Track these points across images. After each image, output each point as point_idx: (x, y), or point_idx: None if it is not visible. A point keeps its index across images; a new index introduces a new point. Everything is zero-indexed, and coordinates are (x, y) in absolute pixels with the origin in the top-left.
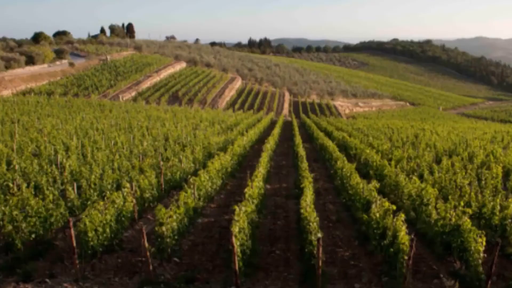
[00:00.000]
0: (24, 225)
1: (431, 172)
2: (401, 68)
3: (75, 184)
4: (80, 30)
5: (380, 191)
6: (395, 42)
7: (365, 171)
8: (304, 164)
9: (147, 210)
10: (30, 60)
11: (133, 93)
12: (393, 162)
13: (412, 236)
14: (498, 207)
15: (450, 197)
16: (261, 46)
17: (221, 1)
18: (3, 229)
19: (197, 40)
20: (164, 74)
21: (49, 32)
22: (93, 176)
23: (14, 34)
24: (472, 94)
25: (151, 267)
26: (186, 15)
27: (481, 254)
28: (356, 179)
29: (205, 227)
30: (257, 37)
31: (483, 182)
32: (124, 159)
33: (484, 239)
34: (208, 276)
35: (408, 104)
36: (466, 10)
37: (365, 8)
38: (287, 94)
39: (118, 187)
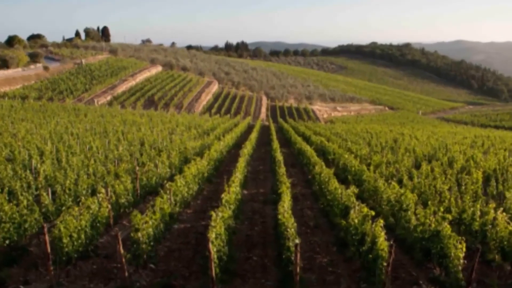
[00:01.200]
0: None
1: (411, 177)
2: (380, 72)
3: (49, 190)
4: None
5: (359, 197)
6: (374, 45)
7: (343, 176)
8: (282, 169)
9: (122, 216)
10: (4, 64)
11: (109, 97)
12: (372, 167)
13: (391, 242)
14: (479, 213)
15: (429, 202)
16: (238, 49)
17: (198, 4)
18: None
19: (173, 43)
20: (140, 78)
21: (23, 36)
22: (67, 181)
23: None
24: (452, 98)
25: (126, 274)
26: (162, 19)
27: (461, 260)
28: (334, 184)
29: (181, 233)
30: (234, 41)
31: (463, 187)
32: (99, 164)
33: (464, 245)
34: (184, 283)
35: (387, 108)
36: (446, 14)
37: (345, 12)
38: (264, 98)
39: (93, 193)
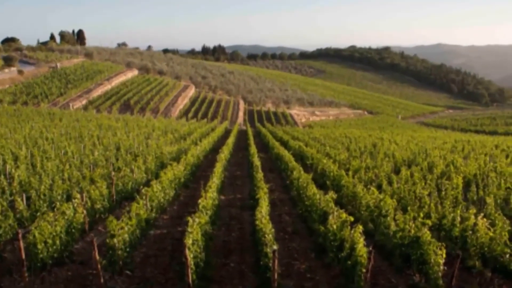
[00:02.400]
0: None
1: (390, 183)
2: (359, 75)
3: (24, 195)
4: (29, 37)
5: (338, 202)
6: (352, 49)
7: (322, 181)
8: (259, 175)
9: (98, 222)
10: None
11: (84, 102)
12: (350, 172)
13: (370, 248)
14: (459, 219)
15: (409, 208)
16: (215, 53)
17: (175, 8)
18: None
19: (149, 47)
20: (116, 82)
21: None
22: (42, 187)
23: None
24: (431, 102)
25: (102, 280)
26: (138, 22)
27: (441, 267)
28: (312, 189)
29: (157, 239)
30: (211, 44)
31: (443, 193)
32: (75, 169)
33: (444, 251)
34: None
35: (366, 112)
36: (426, 17)
37: (323, 15)
38: (242, 103)
39: (69, 198)
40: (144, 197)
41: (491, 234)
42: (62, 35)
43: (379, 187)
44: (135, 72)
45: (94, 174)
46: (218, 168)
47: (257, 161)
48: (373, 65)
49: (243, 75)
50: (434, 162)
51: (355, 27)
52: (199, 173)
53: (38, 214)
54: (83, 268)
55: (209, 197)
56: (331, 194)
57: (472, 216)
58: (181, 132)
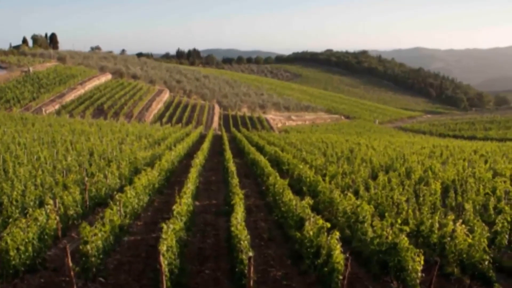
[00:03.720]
0: None
1: (367, 188)
2: (335, 80)
3: None
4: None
5: (314, 208)
6: (329, 53)
7: (298, 187)
8: (235, 180)
9: (71, 228)
10: None
11: (57, 106)
12: (327, 178)
13: (347, 255)
14: (437, 225)
15: (386, 214)
16: (190, 57)
17: (148, 11)
18: None
19: (123, 51)
20: (89, 86)
21: None
22: (14, 193)
23: None
24: (409, 107)
25: (75, 287)
26: (111, 25)
27: (419, 274)
28: (288, 195)
29: (131, 246)
30: (186, 48)
31: (421, 198)
32: (47, 174)
33: (422, 258)
34: None
35: (343, 117)
36: (404, 20)
37: (299, 19)
38: (217, 107)
39: (41, 204)
40: (117, 203)
41: (469, 240)
42: (35, 38)
43: (356, 193)
44: (109, 76)
45: (67, 179)
46: (193, 174)
47: (232, 167)
48: (350, 69)
49: (218, 79)
50: (412, 168)
51: (332, 30)
52: (174, 179)
53: (10, 220)
54: (56, 275)
55: (184, 203)
56: (308, 200)
57: (451, 223)
58: (155, 137)
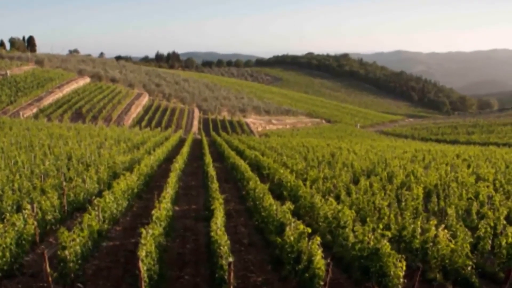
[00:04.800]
0: None
1: (349, 193)
2: (316, 83)
3: None
4: None
5: (295, 213)
6: (310, 56)
7: (278, 192)
8: (215, 185)
9: (49, 233)
10: None
11: (35, 110)
12: (308, 183)
13: (329, 261)
14: (419, 230)
15: (368, 219)
16: (170, 60)
17: (127, 13)
18: None
19: (101, 54)
20: (67, 89)
21: None
22: None
23: None
24: (391, 110)
25: None
26: (90, 28)
27: (401, 279)
28: (269, 200)
29: (110, 251)
30: (165, 51)
31: (403, 203)
32: (25, 179)
33: (404, 263)
34: None
35: (324, 121)
36: (385, 23)
37: (279, 21)
38: (196, 111)
39: (19, 209)
40: (96, 208)
41: (452, 246)
42: (12, 41)
43: (338, 198)
44: (87, 79)
45: (45, 184)
46: (172, 178)
47: (212, 171)
48: (331, 72)
49: (198, 82)
50: (394, 172)
51: (313, 33)
52: (153, 183)
53: None
54: (34, 280)
55: (163, 208)
56: (288, 205)
57: (433, 228)
58: (134, 141)
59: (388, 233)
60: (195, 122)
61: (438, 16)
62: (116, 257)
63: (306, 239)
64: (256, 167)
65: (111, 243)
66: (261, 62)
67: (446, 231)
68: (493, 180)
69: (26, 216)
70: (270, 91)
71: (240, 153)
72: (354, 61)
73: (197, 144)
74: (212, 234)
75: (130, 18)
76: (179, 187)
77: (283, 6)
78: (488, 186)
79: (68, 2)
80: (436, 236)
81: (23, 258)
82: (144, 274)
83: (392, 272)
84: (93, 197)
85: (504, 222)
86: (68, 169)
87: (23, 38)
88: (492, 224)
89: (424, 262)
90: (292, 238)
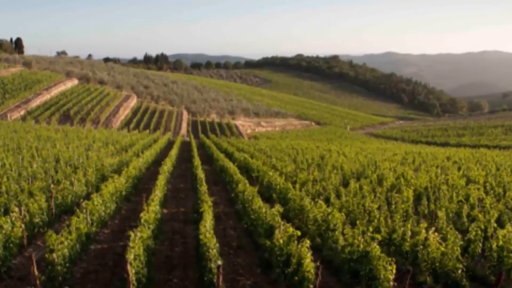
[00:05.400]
0: None
1: (338, 196)
2: (306, 85)
3: None
4: None
5: (284, 216)
6: (299, 57)
7: (268, 194)
8: (203, 187)
9: (37, 236)
10: None
11: (22, 112)
12: (297, 185)
13: (318, 264)
14: (409, 233)
15: (358, 222)
16: (158, 62)
17: (115, 15)
18: None
19: (89, 55)
20: (55, 91)
21: None
22: None
23: None
24: (381, 113)
25: None
26: (78, 30)
27: (391, 283)
28: (258, 203)
29: (98, 254)
30: (153, 53)
31: (393, 206)
32: (12, 181)
33: (394, 266)
34: None
35: (313, 123)
36: (375, 25)
37: (268, 23)
38: (185, 113)
39: (6, 212)
40: (84, 210)
41: (442, 249)
42: (0, 43)
43: (327, 201)
44: (75, 81)
45: (33, 187)
46: (161, 181)
47: (201, 174)
48: (321, 74)
49: (186, 84)
50: (384, 175)
51: (302, 35)
52: (141, 186)
53: None
54: (22, 284)
55: (152, 210)
56: (278, 208)
57: (423, 231)
58: (122, 144)
59: (378, 236)
60: (184, 124)
61: (428, 18)
62: (104, 260)
63: (296, 242)
64: (245, 170)
65: (99, 246)
66: (250, 64)
67: (436, 234)
68: (483, 182)
69: (13, 219)
70: (260, 93)
71: (229, 156)
72: (344, 63)
73: (185, 147)
74: (201, 237)
75: (119, 19)
76: (167, 190)
77: (272, 7)
78: (478, 189)
79: (56, 3)
80: (426, 239)
81: (10, 261)
82: (132, 277)
83: (382, 275)
84: (81, 200)
85: (495, 225)
86: (56, 172)
87: (11, 39)
88: (482, 227)
89: (414, 265)
90: (281, 241)
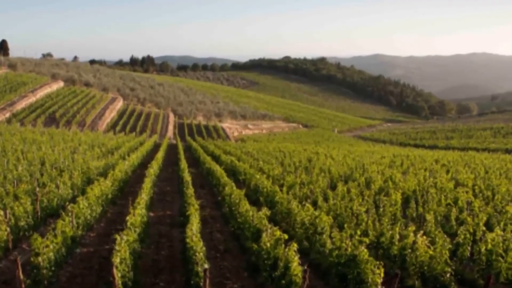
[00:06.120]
0: None
1: (326, 199)
2: (293, 87)
3: None
4: None
5: (271, 219)
6: (287, 59)
7: (255, 197)
8: (190, 190)
9: (22, 240)
10: None
11: (7, 115)
12: (285, 188)
13: (305, 267)
14: (397, 236)
15: (346, 225)
16: (144, 64)
17: (101, 17)
18: None
19: (75, 57)
20: (41, 94)
21: None
22: None
23: None
24: (369, 115)
25: None
26: (63, 32)
27: (379, 286)
28: (245, 206)
29: (84, 258)
30: (140, 55)
31: (381, 209)
32: None
33: (382, 270)
34: None
35: (301, 126)
36: (363, 27)
37: (255, 25)
38: (171, 116)
39: None
40: (70, 214)
41: (431, 252)
42: None
43: (315, 204)
44: (61, 83)
45: (18, 190)
46: (147, 184)
47: (187, 177)
48: (309, 76)
49: (173, 87)
50: (372, 178)
51: (290, 37)
52: (127, 189)
53: None
54: (7, 287)
55: (138, 214)
56: (265, 211)
57: (411, 234)
58: (108, 146)
59: (366, 240)
60: (170, 127)
61: (417, 20)
62: (90, 264)
63: (283, 245)
64: (232, 173)
65: (85, 250)
66: (237, 66)
67: (424, 237)
68: (472, 185)
69: None
70: (246, 95)
71: (216, 158)
72: (332, 65)
73: (172, 149)
74: (188, 240)
75: (104, 21)
76: (154, 193)
77: (259, 9)
78: (467, 192)
79: (42, 5)
80: (414, 242)
81: None
82: (118, 281)
83: (370, 279)
84: (67, 203)
85: (484, 228)
86: (42, 175)
87: None
88: (471, 230)
89: (403, 269)
90: (268, 244)
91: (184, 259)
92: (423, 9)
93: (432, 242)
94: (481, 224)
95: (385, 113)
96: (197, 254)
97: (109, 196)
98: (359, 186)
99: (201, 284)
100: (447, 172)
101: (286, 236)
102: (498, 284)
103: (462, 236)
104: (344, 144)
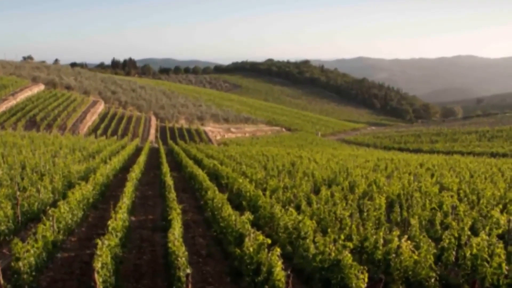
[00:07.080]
0: None
1: (309, 203)
2: (276, 90)
3: None
4: None
5: (254, 224)
6: (270, 62)
7: (238, 202)
8: (172, 195)
9: (2, 244)
10: None
11: None
12: (268, 192)
13: (289, 272)
14: (381, 241)
15: (329, 230)
16: (126, 67)
17: (82, 19)
18: None
19: (56, 60)
20: (21, 97)
21: None
22: None
23: None
24: (353, 118)
25: None
26: (44, 34)
27: None
28: (228, 210)
29: (65, 262)
30: (121, 57)
31: (365, 213)
32: None
33: (367, 275)
34: None
35: (284, 129)
36: (347, 29)
37: (238, 27)
38: (153, 119)
39: None
40: (50, 218)
41: (415, 257)
42: None
43: (298, 208)
44: (42, 87)
45: None
46: (129, 188)
47: (169, 181)
48: (292, 79)
49: (155, 90)
50: (356, 182)
51: (272, 39)
52: (109, 193)
53: None
54: None
55: (119, 218)
56: (248, 215)
57: (396, 238)
58: (90, 150)
59: (350, 244)
60: (152, 131)
61: (401, 22)
62: (71, 269)
63: (266, 250)
64: (215, 177)
65: (66, 254)
66: (219, 69)
67: (409, 242)
68: (457, 189)
69: None
70: (229, 98)
71: (198, 162)
72: (315, 68)
73: (154, 153)
74: (170, 245)
75: (85, 23)
76: (135, 197)
77: (240, 12)
78: (452, 196)
79: (22, 7)
80: (399, 247)
81: None
82: (100, 286)
83: (353, 284)
84: (48, 207)
85: (469, 232)
86: (22, 179)
87: None
88: (456, 235)
89: (387, 274)
90: (251, 249)
91: (166, 264)
92: (408, 11)
93: (417, 247)
94: (466, 228)
95: (369, 117)
96: (179, 259)
97: (91, 200)
98: (343, 190)
99: None
100: (432, 176)
101: (269, 241)
102: None
103: (447, 241)
104: (328, 148)
